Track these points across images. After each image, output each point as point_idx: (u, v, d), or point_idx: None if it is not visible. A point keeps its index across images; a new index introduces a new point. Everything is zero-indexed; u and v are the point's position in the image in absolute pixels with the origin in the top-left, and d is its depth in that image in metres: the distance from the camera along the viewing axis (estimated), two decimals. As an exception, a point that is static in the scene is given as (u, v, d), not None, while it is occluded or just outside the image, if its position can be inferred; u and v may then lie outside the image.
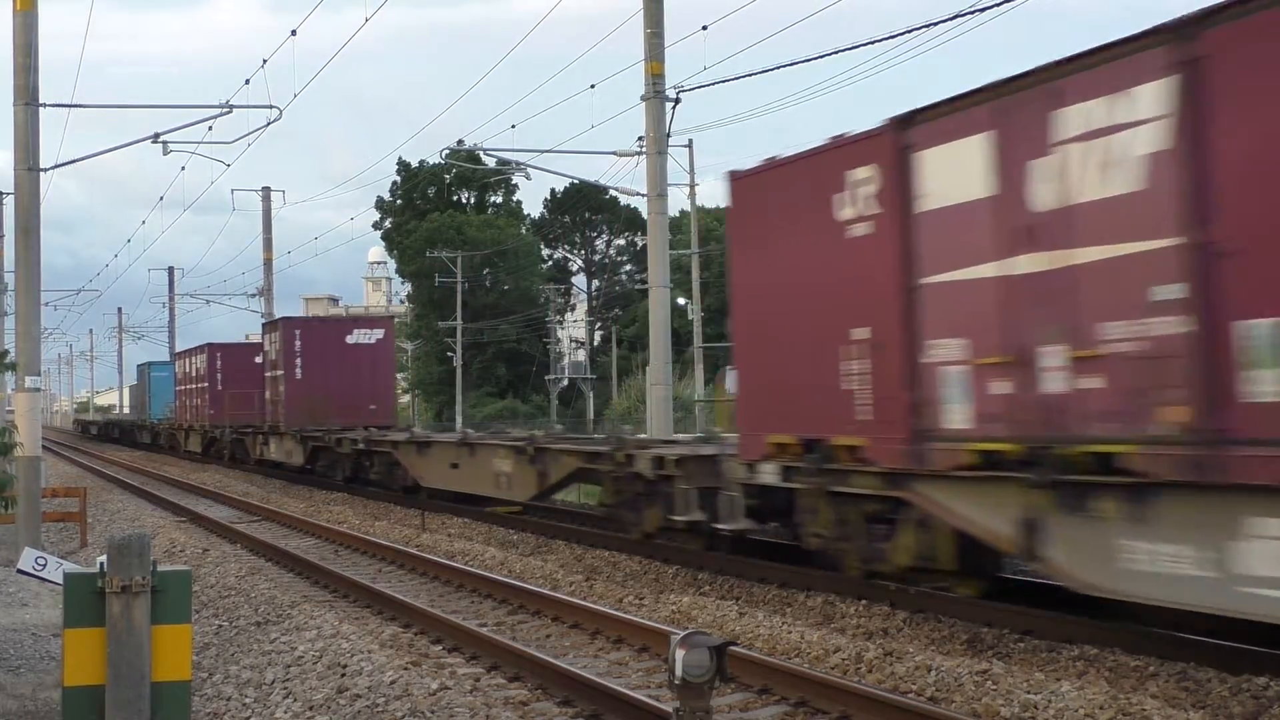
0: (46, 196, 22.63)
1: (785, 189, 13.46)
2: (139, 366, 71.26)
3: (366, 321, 41.36)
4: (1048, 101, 10.07)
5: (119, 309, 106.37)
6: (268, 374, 37.87)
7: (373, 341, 35.74)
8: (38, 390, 20.63)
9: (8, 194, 37.97)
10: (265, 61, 25.62)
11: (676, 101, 26.40)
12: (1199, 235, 8.86)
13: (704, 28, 26.57)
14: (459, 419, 65.98)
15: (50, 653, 11.68)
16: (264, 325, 40.16)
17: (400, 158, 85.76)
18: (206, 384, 45.88)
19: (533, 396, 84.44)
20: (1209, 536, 8.91)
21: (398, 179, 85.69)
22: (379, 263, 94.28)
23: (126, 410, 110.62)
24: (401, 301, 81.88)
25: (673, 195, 30.64)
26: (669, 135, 26.52)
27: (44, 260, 20.90)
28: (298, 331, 35.94)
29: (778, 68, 26.12)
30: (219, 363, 45.34)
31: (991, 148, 10.64)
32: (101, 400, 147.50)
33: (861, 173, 12.15)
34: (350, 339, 35.70)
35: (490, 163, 41.82)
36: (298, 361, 35.29)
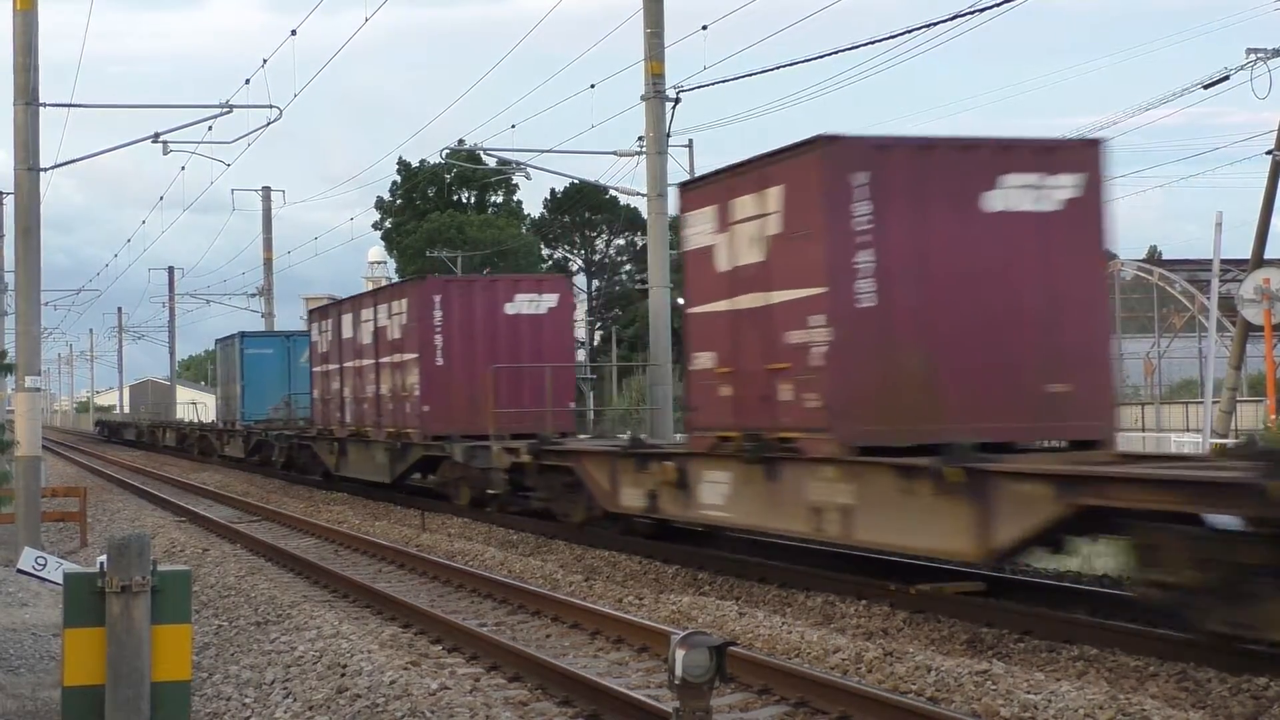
0: (46, 196, 22.57)
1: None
2: (219, 341, 48.47)
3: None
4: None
5: (119, 309, 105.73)
6: (699, 307, 15.45)
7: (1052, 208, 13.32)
8: (38, 390, 20.63)
9: (8, 194, 37.92)
10: (265, 61, 25.63)
11: (676, 101, 26.41)
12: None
13: (704, 28, 26.53)
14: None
15: (50, 653, 11.68)
16: (679, 188, 16.70)
17: (400, 158, 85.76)
18: (416, 354, 24.88)
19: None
20: None
21: (398, 179, 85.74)
22: (379, 263, 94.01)
23: (127, 410, 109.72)
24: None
25: (673, 195, 30.60)
26: (669, 135, 26.55)
27: (44, 260, 20.92)
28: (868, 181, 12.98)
29: (778, 68, 26.14)
30: (439, 316, 24.63)
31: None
32: (101, 400, 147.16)
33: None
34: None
35: (490, 163, 41.77)
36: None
